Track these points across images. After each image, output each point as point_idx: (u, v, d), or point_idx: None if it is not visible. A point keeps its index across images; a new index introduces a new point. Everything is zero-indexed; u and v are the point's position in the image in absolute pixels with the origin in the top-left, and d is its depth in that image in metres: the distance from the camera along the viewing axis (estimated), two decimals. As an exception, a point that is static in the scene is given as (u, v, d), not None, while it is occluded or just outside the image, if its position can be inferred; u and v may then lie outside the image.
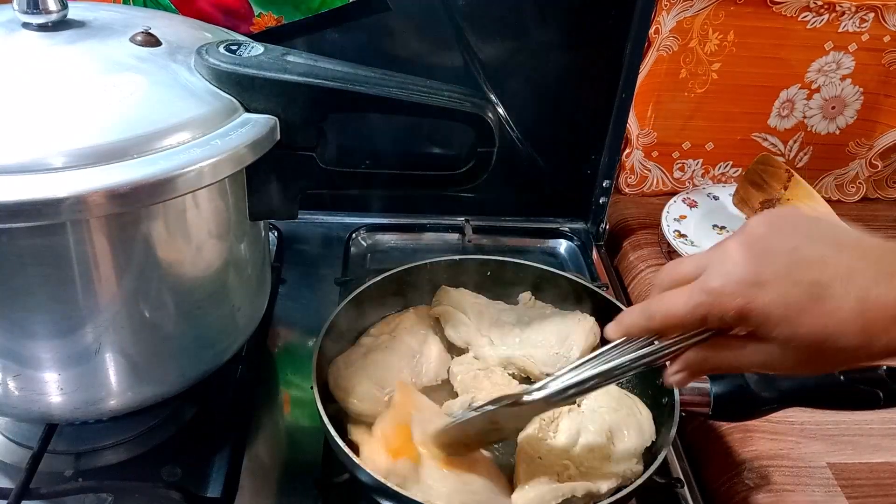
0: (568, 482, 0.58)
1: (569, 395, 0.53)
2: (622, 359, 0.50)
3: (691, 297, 0.44)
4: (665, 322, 0.46)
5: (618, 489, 0.58)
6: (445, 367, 0.71)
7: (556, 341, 0.71)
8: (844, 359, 0.43)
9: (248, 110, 0.56)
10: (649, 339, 0.49)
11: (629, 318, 0.49)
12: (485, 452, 0.60)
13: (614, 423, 0.63)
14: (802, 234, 0.43)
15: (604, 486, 0.58)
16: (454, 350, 0.74)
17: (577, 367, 0.53)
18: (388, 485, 0.55)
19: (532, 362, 0.70)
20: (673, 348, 0.48)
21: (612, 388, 0.67)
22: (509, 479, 0.60)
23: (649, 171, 1.11)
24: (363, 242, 0.97)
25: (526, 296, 0.78)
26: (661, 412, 0.65)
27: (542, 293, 0.78)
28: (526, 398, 0.54)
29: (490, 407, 0.56)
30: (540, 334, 0.72)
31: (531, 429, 0.62)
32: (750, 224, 0.45)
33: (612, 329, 0.50)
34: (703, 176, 1.13)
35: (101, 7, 0.63)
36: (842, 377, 0.63)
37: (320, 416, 0.59)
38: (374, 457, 0.59)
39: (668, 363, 0.49)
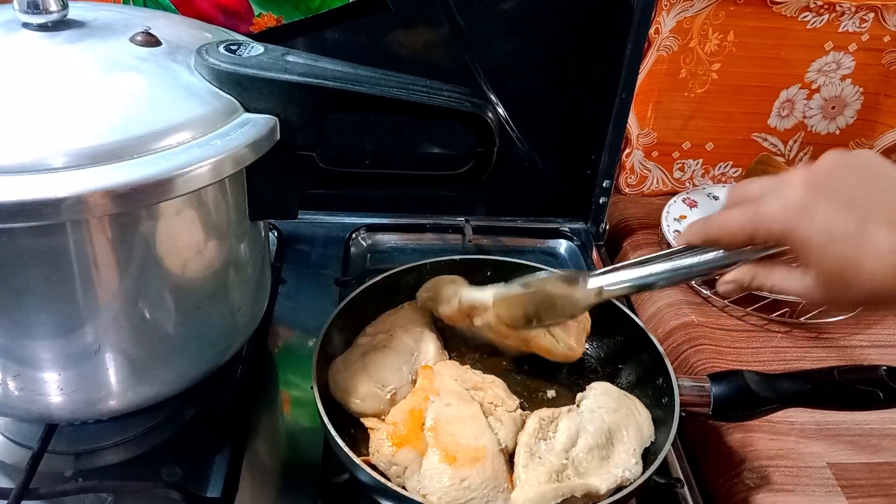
0: (567, 482, 0.58)
1: (622, 289, 0.60)
2: (683, 261, 0.57)
3: (744, 215, 0.50)
4: (720, 232, 0.53)
5: (617, 489, 0.58)
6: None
7: None
8: (868, 297, 0.46)
9: (248, 110, 0.56)
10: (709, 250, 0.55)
11: (692, 226, 0.56)
12: (495, 448, 0.60)
13: (613, 424, 0.63)
14: (866, 176, 0.48)
15: (603, 486, 0.58)
16: (450, 347, 0.74)
17: (638, 263, 0.59)
18: (388, 485, 0.55)
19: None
20: (728, 261, 0.54)
21: (612, 389, 0.67)
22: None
23: (649, 171, 1.11)
24: (363, 242, 0.97)
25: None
26: (661, 412, 0.65)
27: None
28: (586, 281, 0.61)
29: (547, 275, 0.64)
30: None
31: (530, 428, 0.62)
32: (821, 159, 0.49)
33: (680, 237, 0.58)
34: (703, 176, 1.13)
35: (101, 7, 0.63)
36: (842, 377, 0.63)
37: (320, 416, 0.59)
38: (378, 446, 0.60)
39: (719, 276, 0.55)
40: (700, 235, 0.55)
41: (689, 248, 0.56)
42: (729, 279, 0.54)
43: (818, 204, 0.46)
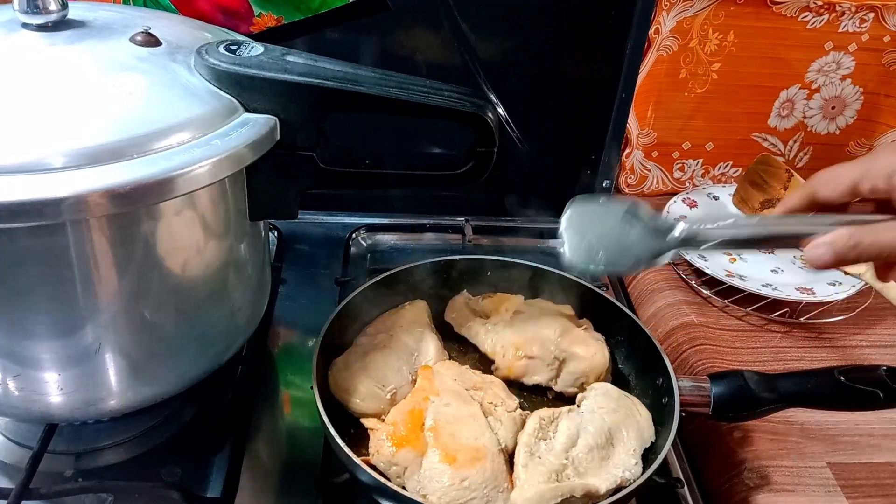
0: (567, 482, 0.58)
1: (708, 244, 0.56)
2: (775, 223, 0.55)
3: (853, 165, 0.53)
4: (824, 186, 0.54)
5: (617, 489, 0.58)
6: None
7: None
8: None
9: (248, 110, 0.56)
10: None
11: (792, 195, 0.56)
12: (495, 448, 0.60)
13: (613, 425, 0.63)
14: None
15: (603, 486, 0.58)
16: (450, 347, 0.74)
17: (728, 224, 0.56)
18: (388, 485, 0.55)
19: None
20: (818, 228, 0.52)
21: (612, 390, 0.67)
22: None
23: (649, 171, 1.11)
24: (363, 242, 0.97)
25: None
26: (661, 412, 0.65)
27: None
28: (674, 230, 0.57)
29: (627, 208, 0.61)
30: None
31: (530, 428, 0.62)
32: None
33: (779, 209, 0.57)
34: (703, 176, 1.13)
35: (101, 7, 0.63)
36: (842, 377, 0.63)
37: (320, 416, 0.59)
38: (378, 447, 0.60)
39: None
40: (804, 197, 0.55)
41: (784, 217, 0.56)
42: (823, 241, 0.51)
43: None
